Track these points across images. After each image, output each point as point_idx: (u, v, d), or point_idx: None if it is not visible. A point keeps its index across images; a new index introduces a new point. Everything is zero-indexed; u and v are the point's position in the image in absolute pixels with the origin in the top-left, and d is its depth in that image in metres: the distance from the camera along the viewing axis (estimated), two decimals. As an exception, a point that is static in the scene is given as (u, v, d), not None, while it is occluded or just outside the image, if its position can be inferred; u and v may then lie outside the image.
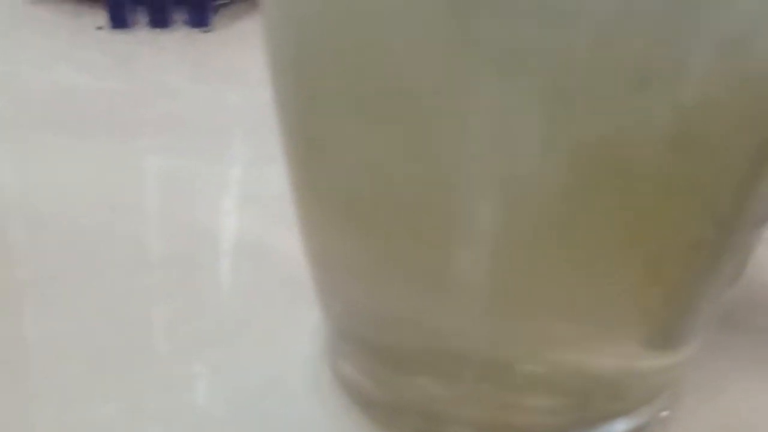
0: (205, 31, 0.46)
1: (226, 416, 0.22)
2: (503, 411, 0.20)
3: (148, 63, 0.43)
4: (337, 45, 0.16)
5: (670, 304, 0.19)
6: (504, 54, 0.14)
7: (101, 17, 0.46)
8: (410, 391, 0.21)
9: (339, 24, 0.16)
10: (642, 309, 0.18)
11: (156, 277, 0.27)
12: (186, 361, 0.24)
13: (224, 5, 0.48)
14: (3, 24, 0.48)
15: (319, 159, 0.19)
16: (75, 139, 0.35)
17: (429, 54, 0.15)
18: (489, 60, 0.15)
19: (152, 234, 0.30)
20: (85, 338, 0.24)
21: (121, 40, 0.45)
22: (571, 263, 0.17)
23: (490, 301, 0.18)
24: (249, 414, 0.22)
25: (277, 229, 0.28)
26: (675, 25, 0.14)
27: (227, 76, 0.42)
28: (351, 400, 0.22)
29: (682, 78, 0.15)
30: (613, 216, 0.16)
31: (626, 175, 0.16)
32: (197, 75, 0.43)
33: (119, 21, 0.46)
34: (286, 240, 0.23)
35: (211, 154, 0.35)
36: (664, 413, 0.22)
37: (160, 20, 0.46)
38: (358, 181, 0.18)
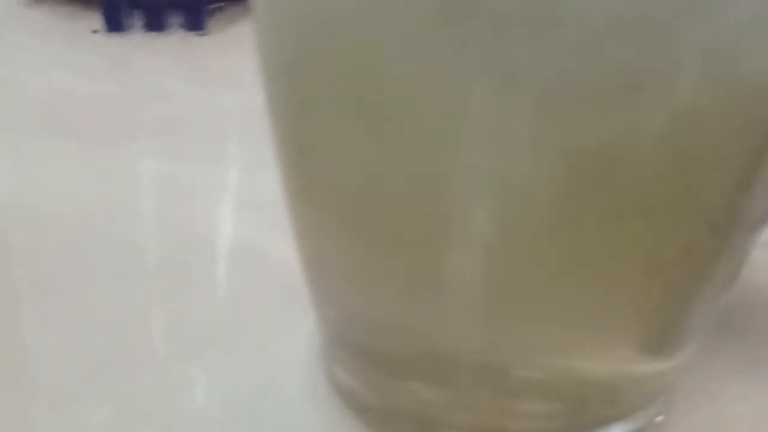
0: (201, 35, 0.46)
1: (221, 421, 0.22)
2: (498, 416, 0.20)
3: (143, 66, 0.43)
4: (328, 50, 0.16)
5: (665, 309, 0.19)
6: (496, 61, 0.14)
7: (96, 20, 0.46)
8: (404, 396, 0.20)
9: (331, 29, 0.16)
10: (637, 314, 0.18)
11: (151, 280, 0.27)
12: (181, 365, 0.24)
13: (219, 9, 0.48)
14: (-2, 27, 0.48)
15: (311, 164, 0.19)
16: (70, 142, 0.35)
17: (420, 60, 0.15)
18: (480, 67, 0.15)
19: (147, 237, 0.30)
20: (81, 342, 0.24)
21: (117, 43, 0.45)
22: (565, 269, 0.17)
23: (485, 306, 0.18)
24: (244, 418, 0.22)
25: (273, 234, 0.28)
26: (664, 35, 0.14)
27: (223, 80, 0.42)
28: (345, 405, 0.22)
29: (672, 86, 0.15)
30: (606, 222, 0.16)
31: (619, 181, 0.16)
32: (193, 78, 0.43)
33: (114, 24, 0.46)
34: (282, 244, 0.22)
35: (206, 157, 0.35)
36: (660, 418, 0.22)
37: (155, 24, 0.46)
38: (350, 186, 0.18)
